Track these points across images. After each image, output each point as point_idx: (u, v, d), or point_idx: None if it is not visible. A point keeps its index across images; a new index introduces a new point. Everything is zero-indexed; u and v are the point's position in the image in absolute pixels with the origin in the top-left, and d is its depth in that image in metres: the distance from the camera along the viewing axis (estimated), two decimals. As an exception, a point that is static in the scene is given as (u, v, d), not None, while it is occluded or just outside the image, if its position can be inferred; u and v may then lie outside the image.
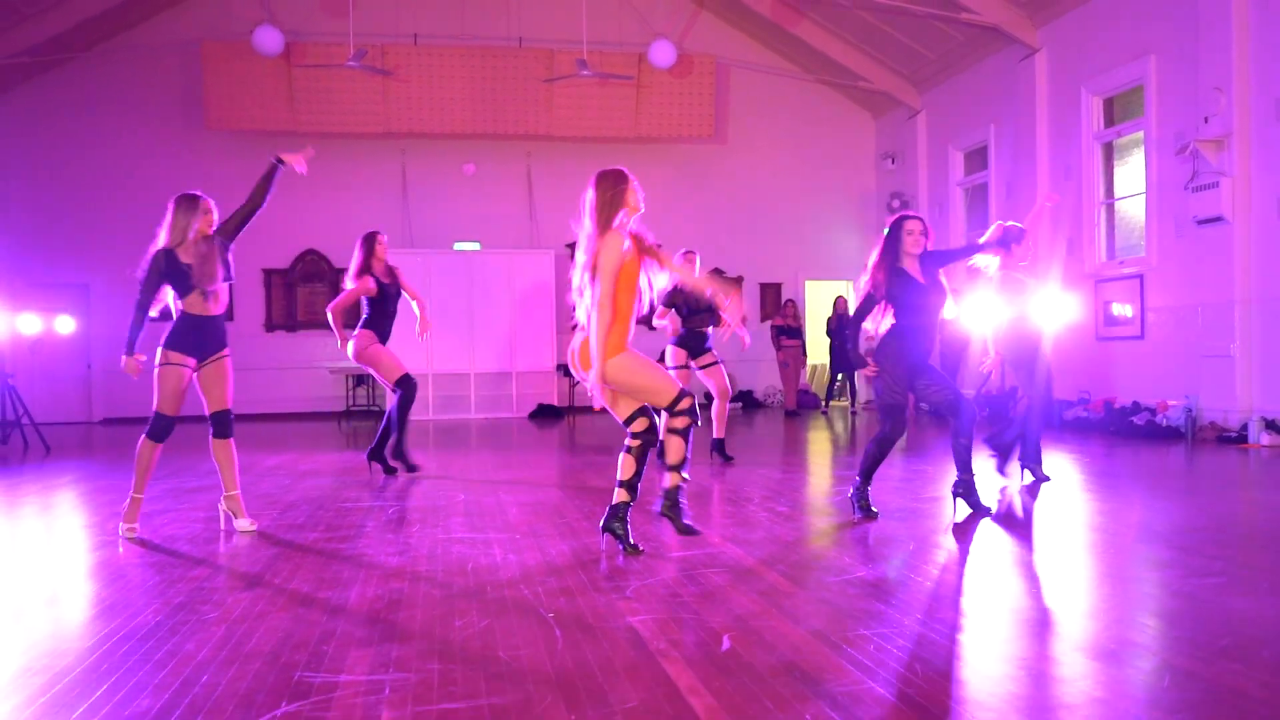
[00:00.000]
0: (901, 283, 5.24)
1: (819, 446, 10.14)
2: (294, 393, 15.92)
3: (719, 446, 8.25)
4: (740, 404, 16.35)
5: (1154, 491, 6.49)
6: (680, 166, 16.61)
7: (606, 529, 4.52)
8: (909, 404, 5.33)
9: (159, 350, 5.14)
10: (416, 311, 7.68)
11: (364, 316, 7.65)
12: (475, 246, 15.97)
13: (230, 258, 5.30)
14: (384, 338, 7.64)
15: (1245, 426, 9.09)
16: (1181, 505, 5.81)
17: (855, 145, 17.20)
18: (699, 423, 4.51)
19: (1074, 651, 2.99)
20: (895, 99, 15.82)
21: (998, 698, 2.57)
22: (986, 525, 5.10)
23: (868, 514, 5.33)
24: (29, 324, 11.68)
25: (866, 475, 5.40)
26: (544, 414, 15.21)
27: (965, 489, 5.38)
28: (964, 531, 4.97)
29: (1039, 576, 4.04)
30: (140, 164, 15.13)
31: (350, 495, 6.66)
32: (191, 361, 5.15)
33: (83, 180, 15.12)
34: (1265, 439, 8.77)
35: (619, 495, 4.50)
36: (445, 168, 16.12)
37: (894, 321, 5.28)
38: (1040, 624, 3.31)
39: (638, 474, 4.44)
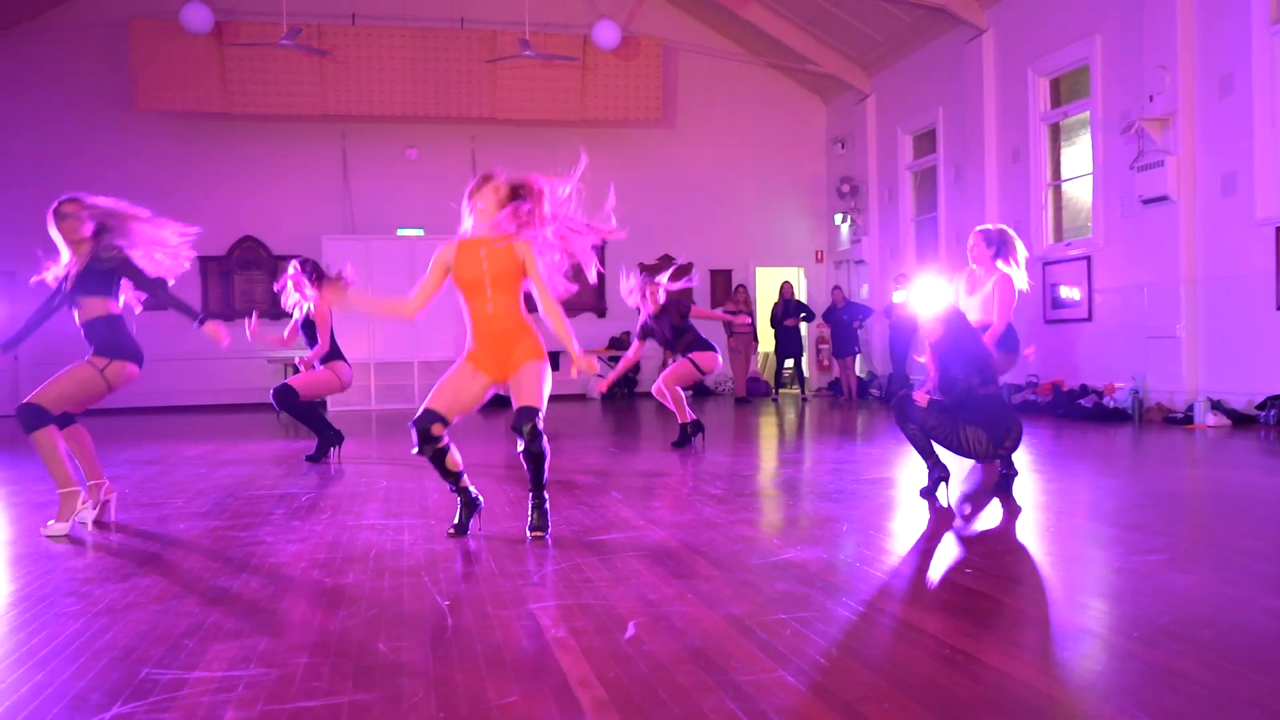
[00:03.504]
0: None
1: (762, 432, 9.92)
2: (231, 383, 15.44)
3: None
4: (690, 392, 16.11)
5: (1099, 471, 6.33)
6: (628, 151, 16.33)
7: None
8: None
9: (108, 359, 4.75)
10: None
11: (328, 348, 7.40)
12: (419, 233, 15.57)
13: (125, 277, 4.80)
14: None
15: (1191, 408, 9.01)
16: (1126, 484, 5.65)
17: (805, 130, 17.02)
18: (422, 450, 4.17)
19: (1008, 635, 2.76)
20: (844, 82, 15.66)
21: (920, 688, 2.33)
22: (928, 505, 4.89)
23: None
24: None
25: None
26: (491, 403, 14.84)
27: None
28: (904, 511, 4.76)
29: (981, 556, 3.82)
30: (67, 147, 14.57)
31: (267, 483, 6.32)
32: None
33: (5, 165, 14.51)
34: (1211, 419, 8.69)
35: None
36: (387, 151, 15.71)
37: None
38: (975, 606, 3.08)
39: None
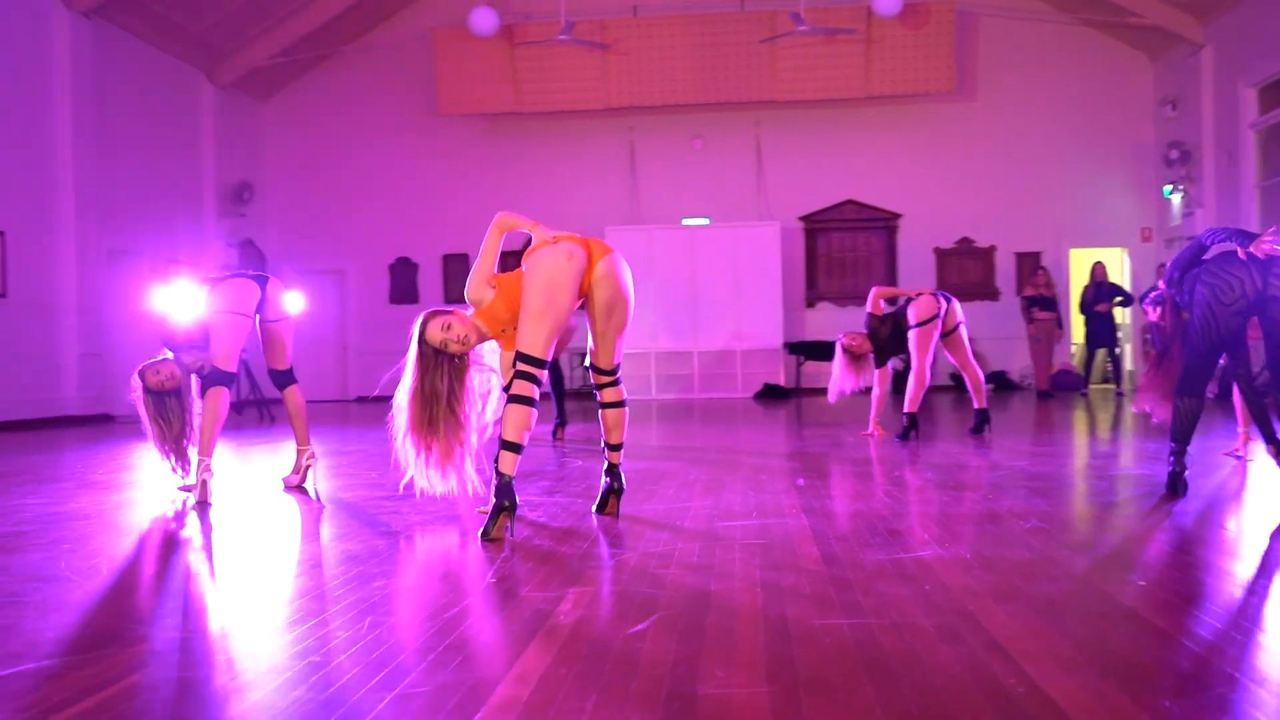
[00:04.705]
0: None
1: (1045, 426, 8.75)
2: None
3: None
4: (993, 386, 14.82)
5: None
6: (920, 126, 15.32)
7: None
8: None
9: None
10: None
11: None
12: (704, 221, 15.48)
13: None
14: None
15: None
16: None
17: (1126, 92, 15.08)
18: None
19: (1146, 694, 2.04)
20: (1173, 34, 13.70)
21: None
22: (1154, 506, 3.96)
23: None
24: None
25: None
26: (770, 394, 14.47)
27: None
28: (1127, 512, 3.88)
29: (1164, 572, 2.98)
30: (383, 154, 15.87)
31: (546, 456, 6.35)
32: None
33: (335, 172, 16.05)
34: None
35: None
36: (672, 141, 15.73)
37: None
38: (1112, 638, 2.34)
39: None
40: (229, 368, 4.78)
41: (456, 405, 3.75)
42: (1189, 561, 3.10)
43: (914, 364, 7.09)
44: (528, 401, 3.50)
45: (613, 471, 4.02)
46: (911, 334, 7.09)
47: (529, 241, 3.83)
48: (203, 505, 4.52)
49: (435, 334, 3.67)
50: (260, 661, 2.15)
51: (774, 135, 15.57)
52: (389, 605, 2.64)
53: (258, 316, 5.04)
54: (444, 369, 3.71)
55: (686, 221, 15.48)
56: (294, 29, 14.40)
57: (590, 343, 3.94)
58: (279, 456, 6.53)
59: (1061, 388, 13.73)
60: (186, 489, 4.89)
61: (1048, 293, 13.27)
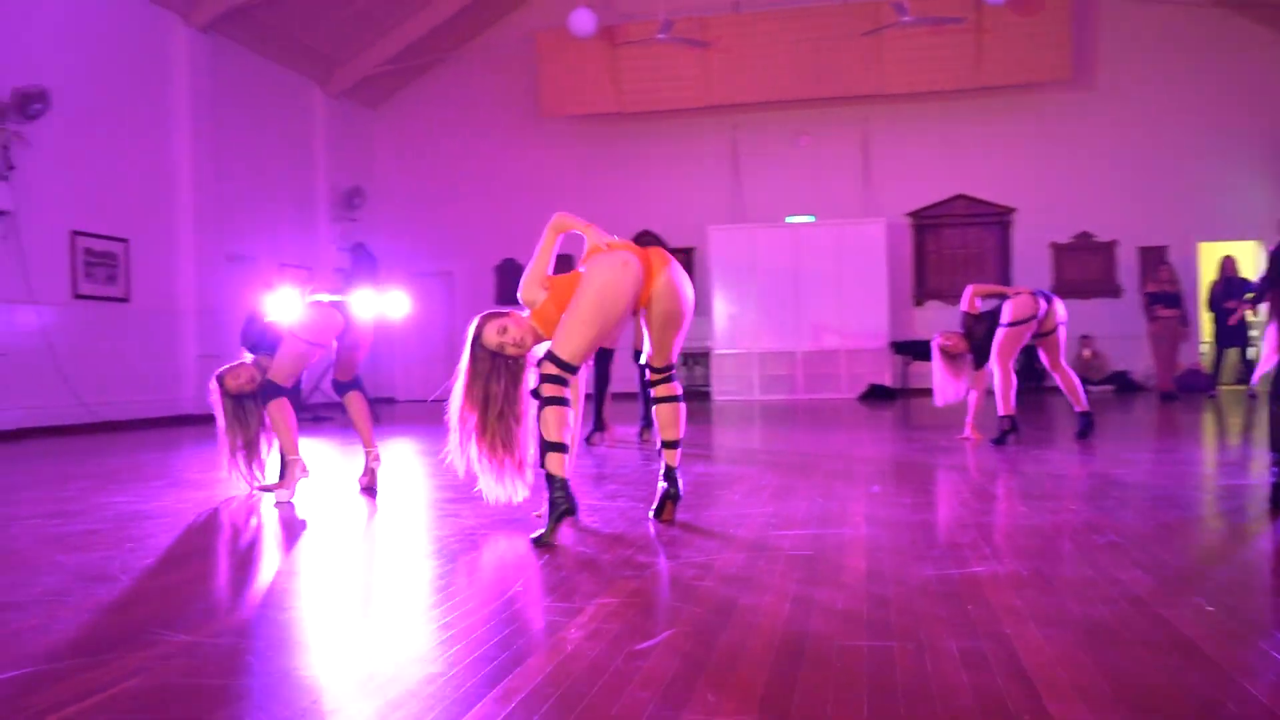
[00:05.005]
0: None
1: (1163, 431, 8.27)
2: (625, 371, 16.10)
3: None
4: (1114, 387, 14.16)
5: None
6: (1035, 116, 14.70)
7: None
8: None
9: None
10: None
11: None
12: (810, 219, 15.20)
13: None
14: None
15: None
16: None
17: (1260, 76, 14.14)
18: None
19: None
20: (1314, 12, 12.83)
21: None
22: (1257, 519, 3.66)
23: None
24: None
25: None
26: (876, 395, 14.11)
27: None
28: (1213, 527, 3.59)
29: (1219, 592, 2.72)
30: (488, 156, 16.10)
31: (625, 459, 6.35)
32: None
33: (443, 175, 16.36)
34: None
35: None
36: (776, 138, 15.51)
37: None
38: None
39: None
40: (285, 384, 4.89)
41: (510, 408, 3.71)
42: (1275, 587, 2.83)
43: (996, 364, 6.80)
44: (559, 401, 3.48)
45: (669, 476, 3.93)
46: (999, 331, 6.80)
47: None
48: (282, 505, 4.62)
49: (492, 337, 3.65)
50: (255, 668, 2.14)
51: (881, 130, 15.19)
52: (409, 614, 2.62)
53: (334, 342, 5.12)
54: (500, 371, 3.68)
55: (790, 219, 15.23)
56: (401, 37, 14.74)
57: (646, 345, 3.88)
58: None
59: (1187, 389, 12.99)
60: (265, 489, 5.01)
61: (1171, 289, 12.59)
